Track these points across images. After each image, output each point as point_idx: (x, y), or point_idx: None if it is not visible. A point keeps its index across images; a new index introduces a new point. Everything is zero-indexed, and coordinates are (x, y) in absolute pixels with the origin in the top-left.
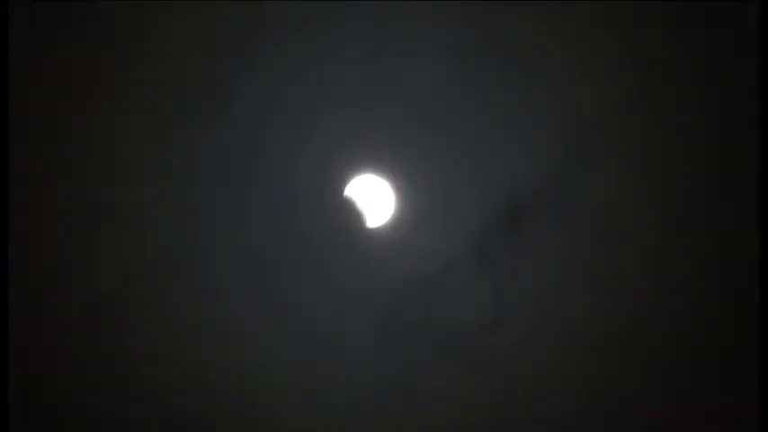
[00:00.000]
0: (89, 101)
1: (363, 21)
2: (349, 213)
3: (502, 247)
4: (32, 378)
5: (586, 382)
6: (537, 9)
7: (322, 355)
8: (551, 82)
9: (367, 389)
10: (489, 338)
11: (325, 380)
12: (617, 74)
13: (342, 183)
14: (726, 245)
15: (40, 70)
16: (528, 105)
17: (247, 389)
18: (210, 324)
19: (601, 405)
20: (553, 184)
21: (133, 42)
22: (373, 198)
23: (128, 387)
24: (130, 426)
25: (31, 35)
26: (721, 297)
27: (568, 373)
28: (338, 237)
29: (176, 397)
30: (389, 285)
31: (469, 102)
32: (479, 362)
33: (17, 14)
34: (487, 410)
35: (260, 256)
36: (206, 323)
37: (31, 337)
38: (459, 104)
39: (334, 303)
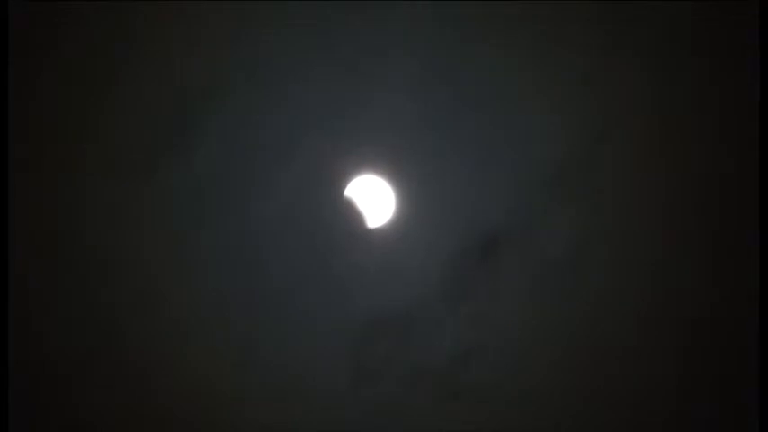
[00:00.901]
0: (89, 100)
1: (362, 19)
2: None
3: (476, 278)
4: (32, 379)
5: (562, 413)
6: (521, 38)
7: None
8: (527, 113)
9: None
10: (464, 369)
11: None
12: (593, 105)
13: (336, 187)
14: (705, 277)
15: (40, 70)
16: (505, 137)
17: (222, 405)
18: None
19: None
20: (528, 216)
21: (132, 44)
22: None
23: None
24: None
25: (31, 35)
26: (706, 324)
27: (543, 405)
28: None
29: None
30: (361, 318)
31: (442, 134)
32: (454, 392)
33: (17, 14)
34: None
35: (255, 261)
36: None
37: (30, 340)
38: (432, 136)
39: (302, 338)
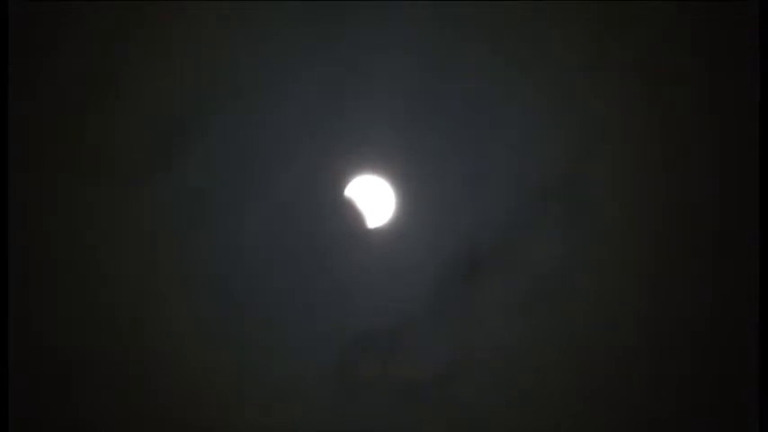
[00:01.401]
0: (89, 101)
1: (362, 19)
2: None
3: (477, 278)
4: (32, 379)
5: (562, 413)
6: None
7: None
8: (527, 113)
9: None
10: (464, 369)
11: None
12: (593, 105)
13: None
14: (705, 277)
15: (40, 70)
16: (505, 137)
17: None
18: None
19: None
20: (527, 216)
21: (132, 44)
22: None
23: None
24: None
25: (31, 35)
26: (706, 324)
27: (543, 405)
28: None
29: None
30: (361, 318)
31: (442, 134)
32: (454, 392)
33: (17, 14)
34: None
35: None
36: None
37: (30, 340)
38: (432, 136)
39: (302, 338)
